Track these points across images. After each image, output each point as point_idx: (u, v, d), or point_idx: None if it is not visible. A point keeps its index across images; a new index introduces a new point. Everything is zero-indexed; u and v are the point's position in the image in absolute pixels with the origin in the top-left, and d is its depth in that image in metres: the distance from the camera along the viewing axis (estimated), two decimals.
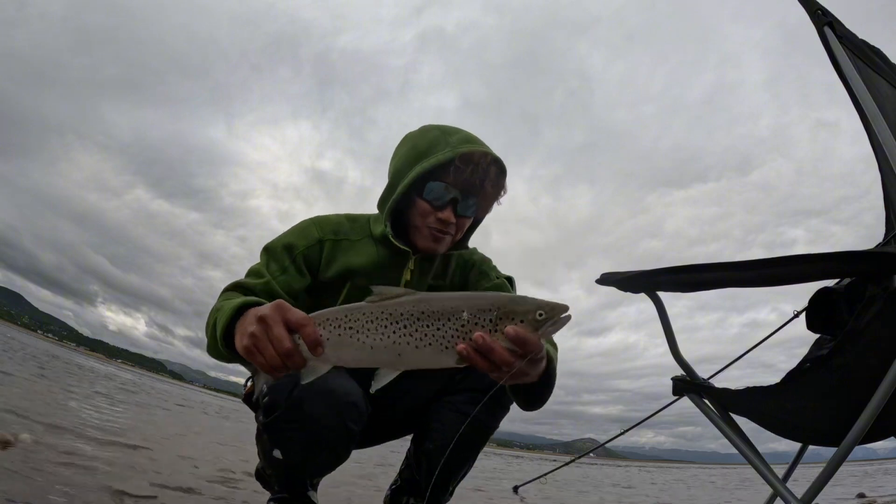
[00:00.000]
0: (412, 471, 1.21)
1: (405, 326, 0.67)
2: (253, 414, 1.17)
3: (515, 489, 3.38)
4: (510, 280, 1.23)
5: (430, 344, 0.67)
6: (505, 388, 1.17)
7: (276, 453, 0.97)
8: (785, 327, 2.39)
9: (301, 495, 1.05)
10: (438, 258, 1.17)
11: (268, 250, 1.09)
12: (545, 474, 3.67)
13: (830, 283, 1.41)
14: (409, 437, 1.30)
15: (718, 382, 1.37)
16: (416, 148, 1.06)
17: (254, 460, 1.13)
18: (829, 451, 1.04)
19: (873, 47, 1.47)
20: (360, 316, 0.69)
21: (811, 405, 1.10)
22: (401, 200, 1.06)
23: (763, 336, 2.66)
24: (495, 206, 1.17)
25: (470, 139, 1.06)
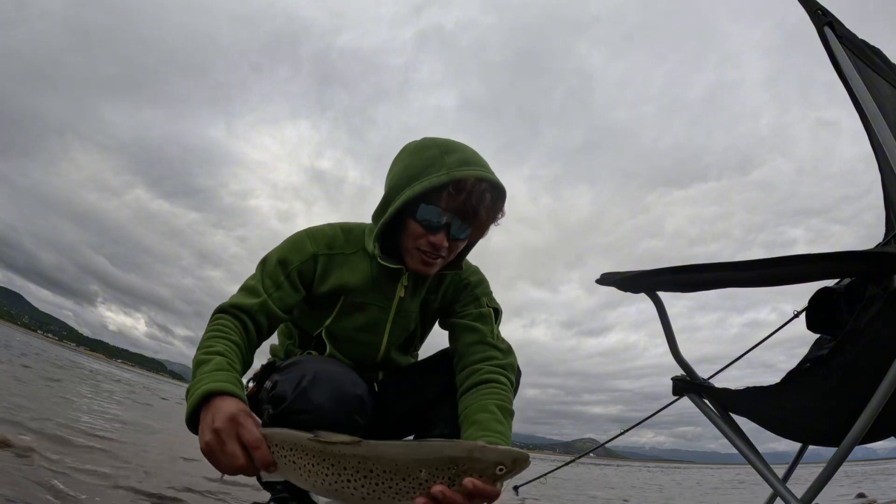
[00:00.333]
0: None
1: (351, 479, 0.68)
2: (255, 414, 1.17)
3: (516, 489, 3.38)
4: (497, 312, 1.18)
5: (383, 495, 0.67)
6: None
7: None
8: (785, 327, 2.39)
9: (302, 494, 1.05)
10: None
11: (263, 264, 1.08)
12: (545, 474, 3.67)
13: (830, 283, 1.41)
14: (408, 438, 1.30)
15: (718, 382, 1.37)
16: (411, 167, 1.02)
17: None
18: (829, 451, 1.04)
19: (873, 47, 1.47)
20: (306, 455, 0.71)
21: (811, 405, 1.10)
22: (394, 218, 1.03)
23: (763, 336, 2.66)
24: (493, 227, 1.12)
25: (468, 160, 1.00)
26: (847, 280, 1.37)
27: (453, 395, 1.13)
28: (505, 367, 1.09)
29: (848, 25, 1.40)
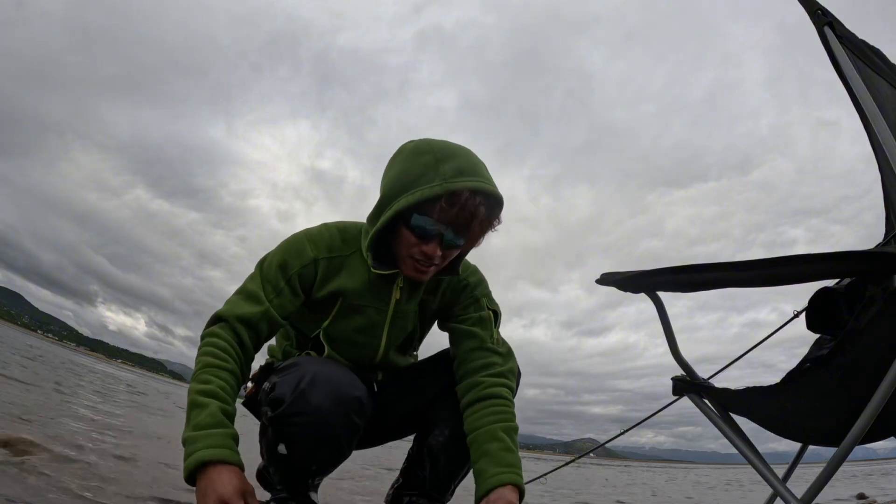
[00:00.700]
0: (415, 468, 1.22)
1: None
2: (253, 416, 1.17)
3: None
4: (496, 314, 1.18)
5: None
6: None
7: (281, 448, 0.97)
8: (785, 327, 2.39)
9: (302, 495, 1.05)
10: None
11: (262, 267, 1.07)
12: (545, 474, 3.66)
13: (830, 283, 1.41)
14: (408, 438, 1.30)
15: (718, 382, 1.36)
16: (405, 174, 0.98)
17: (253, 462, 1.13)
18: (829, 451, 1.04)
19: (873, 47, 1.47)
20: None
21: (811, 405, 1.10)
22: (387, 223, 1.01)
23: (763, 336, 2.66)
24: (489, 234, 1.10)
25: (463, 170, 0.96)
26: (847, 280, 1.37)
27: (453, 396, 1.13)
28: (505, 375, 1.10)
29: (848, 25, 1.40)
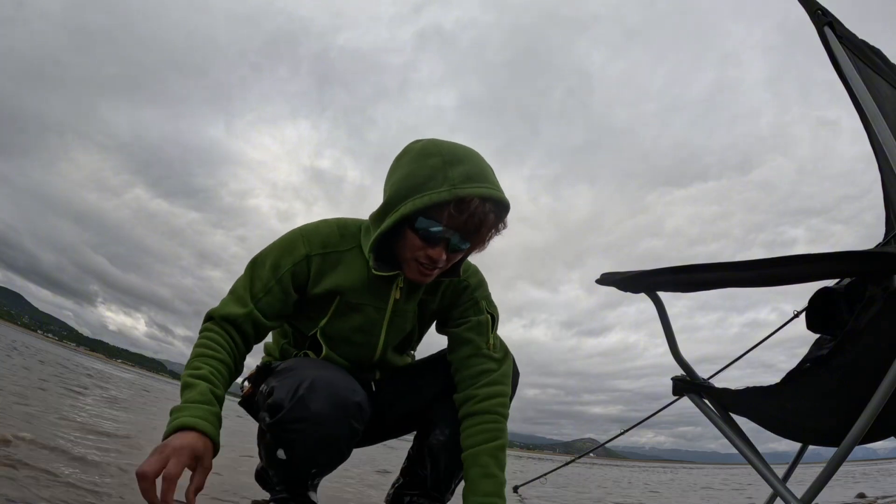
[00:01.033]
0: (415, 468, 1.22)
1: None
2: (249, 416, 1.17)
3: (515, 489, 3.38)
4: (493, 318, 1.18)
5: None
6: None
7: (280, 453, 0.97)
8: (785, 327, 2.39)
9: (302, 495, 1.05)
10: None
11: (253, 266, 1.07)
12: (545, 474, 3.67)
13: (830, 283, 1.41)
14: (408, 438, 1.30)
15: (718, 382, 1.37)
16: (412, 176, 0.96)
17: (251, 461, 1.13)
18: (829, 451, 1.04)
19: (873, 47, 1.47)
20: None
21: (811, 405, 1.10)
22: (391, 226, 0.99)
23: (763, 336, 2.67)
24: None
25: (471, 176, 0.95)
26: (847, 280, 1.37)
27: (452, 395, 1.13)
28: (500, 381, 1.11)
29: (848, 25, 1.40)
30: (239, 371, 1.04)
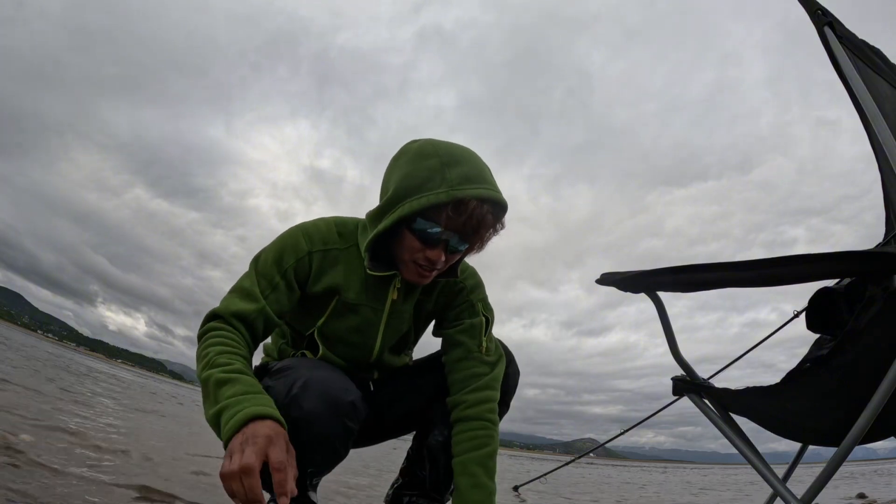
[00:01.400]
0: (415, 468, 1.21)
1: None
2: None
3: (515, 489, 3.38)
4: (488, 321, 1.18)
5: None
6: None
7: None
8: (785, 327, 2.39)
9: (301, 495, 1.05)
10: None
11: (257, 263, 1.05)
12: (545, 474, 3.67)
13: (830, 283, 1.41)
14: (407, 438, 1.30)
15: (718, 382, 1.37)
16: (409, 177, 0.95)
17: None
18: (829, 451, 1.04)
19: (873, 47, 1.47)
20: None
21: (811, 405, 1.10)
22: (388, 226, 0.98)
23: (763, 336, 2.67)
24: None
25: (470, 177, 0.94)
26: (847, 280, 1.37)
27: None
28: (490, 386, 1.11)
29: (848, 25, 1.40)
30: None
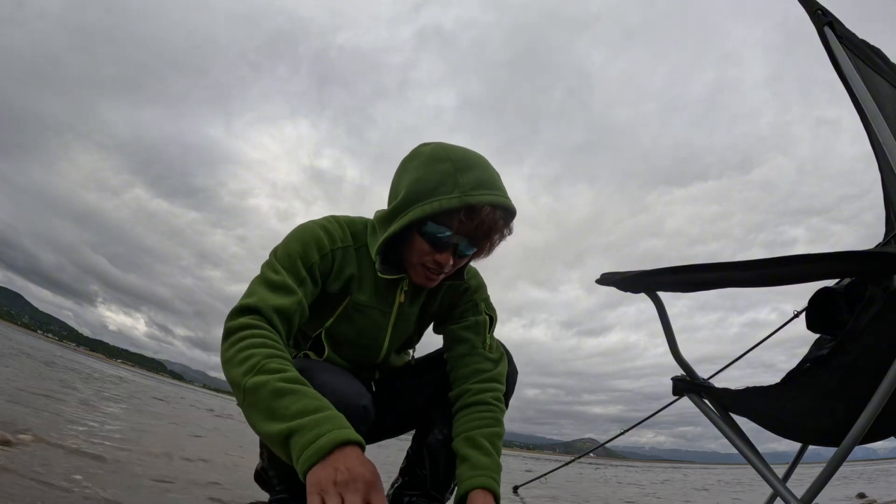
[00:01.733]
0: (415, 467, 1.22)
1: None
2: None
3: (515, 489, 3.38)
4: (492, 320, 1.18)
5: None
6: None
7: None
8: (785, 327, 2.39)
9: (302, 495, 1.05)
10: None
11: (281, 258, 0.99)
12: (545, 474, 3.67)
13: (830, 283, 1.41)
14: (406, 437, 1.30)
15: (718, 382, 1.37)
16: (421, 181, 0.95)
17: (250, 462, 1.13)
18: (829, 451, 1.04)
19: (873, 47, 1.47)
20: None
21: (811, 405, 1.10)
22: (399, 230, 0.98)
23: (763, 336, 2.67)
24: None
25: (482, 182, 0.95)
26: (847, 280, 1.37)
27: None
28: (495, 379, 1.11)
29: (848, 25, 1.40)
30: None
